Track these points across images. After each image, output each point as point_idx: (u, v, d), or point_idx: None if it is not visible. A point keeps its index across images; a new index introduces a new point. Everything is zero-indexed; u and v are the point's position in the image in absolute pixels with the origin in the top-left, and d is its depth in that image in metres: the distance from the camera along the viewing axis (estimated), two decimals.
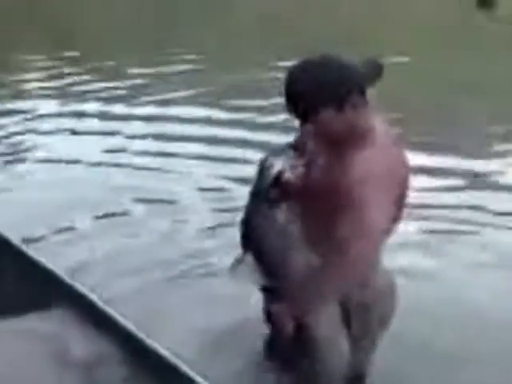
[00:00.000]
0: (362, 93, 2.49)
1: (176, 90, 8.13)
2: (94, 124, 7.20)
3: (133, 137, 6.65)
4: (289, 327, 2.64)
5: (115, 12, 13.54)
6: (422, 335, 3.56)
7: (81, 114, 7.47)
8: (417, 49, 9.92)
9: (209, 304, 3.79)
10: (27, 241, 4.23)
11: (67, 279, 2.83)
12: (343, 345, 2.80)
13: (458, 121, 6.90)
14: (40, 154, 6.30)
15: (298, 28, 11.27)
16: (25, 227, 4.57)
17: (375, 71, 2.54)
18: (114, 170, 5.84)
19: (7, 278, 2.99)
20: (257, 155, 4.90)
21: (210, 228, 4.71)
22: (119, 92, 8.22)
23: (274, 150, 2.79)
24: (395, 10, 12.97)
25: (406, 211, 2.71)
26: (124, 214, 5.01)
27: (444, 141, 6.38)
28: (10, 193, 5.45)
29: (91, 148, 6.38)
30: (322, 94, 2.43)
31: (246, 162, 5.38)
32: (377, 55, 2.81)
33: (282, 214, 2.68)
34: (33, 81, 8.79)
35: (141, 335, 2.56)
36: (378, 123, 2.60)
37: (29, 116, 7.39)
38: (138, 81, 8.65)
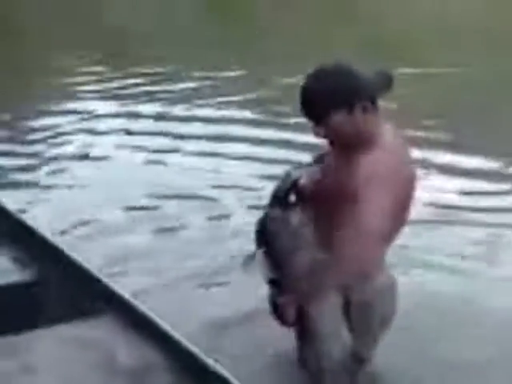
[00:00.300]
0: (372, 100, 2.68)
1: (227, 95, 8.19)
2: (148, 125, 7.32)
3: (184, 137, 6.76)
4: (292, 318, 2.82)
5: (168, 13, 13.62)
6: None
7: (135, 115, 7.60)
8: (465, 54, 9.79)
9: (245, 303, 3.77)
10: (64, 234, 4.48)
11: (113, 285, 2.84)
12: (343, 337, 2.95)
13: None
14: (94, 153, 6.44)
15: (342, 35, 11.20)
16: (67, 223, 4.75)
17: (385, 81, 2.73)
18: (162, 168, 6.00)
19: (52, 284, 3.01)
20: (299, 156, 4.96)
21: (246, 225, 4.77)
22: (173, 95, 8.33)
23: (299, 165, 3.08)
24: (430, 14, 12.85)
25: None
26: (163, 210, 5.14)
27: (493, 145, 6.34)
28: (64, 190, 5.59)
29: (143, 148, 6.51)
30: (332, 100, 2.64)
31: (287, 162, 5.37)
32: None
33: (295, 217, 2.89)
34: (87, 83, 8.90)
35: (186, 342, 2.55)
36: (387, 129, 2.77)
37: (84, 116, 7.53)
38: (192, 84, 8.76)
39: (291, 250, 2.84)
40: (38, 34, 11.70)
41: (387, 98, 2.77)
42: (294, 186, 2.94)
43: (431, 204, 5.02)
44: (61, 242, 3.30)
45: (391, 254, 2.96)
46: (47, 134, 6.98)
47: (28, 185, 5.65)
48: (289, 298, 2.81)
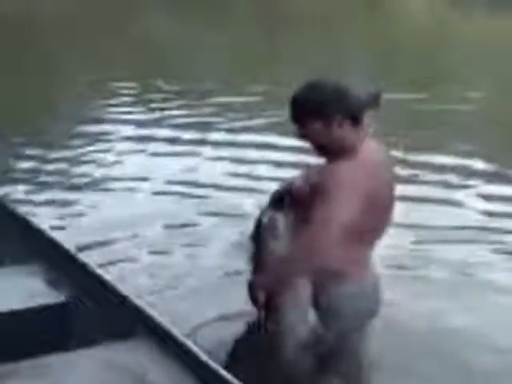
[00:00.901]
0: (353, 116, 2.93)
1: (247, 119, 8.26)
2: (168, 147, 7.45)
3: (206, 159, 6.94)
4: (262, 299, 3.03)
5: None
6: None
7: (157, 138, 7.75)
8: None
9: None
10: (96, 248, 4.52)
11: (146, 308, 2.82)
12: (308, 322, 3.11)
13: None
14: (116, 172, 6.58)
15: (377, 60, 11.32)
16: (96, 238, 4.82)
17: (371, 100, 2.96)
18: (182, 187, 6.11)
19: (85, 306, 3.00)
20: None
21: None
22: (194, 119, 8.51)
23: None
24: None
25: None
26: (192, 225, 5.22)
27: None
28: (89, 208, 5.63)
29: (164, 168, 6.66)
30: (313, 109, 2.93)
31: None
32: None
33: (279, 214, 3.16)
34: (114, 105, 9.10)
35: (217, 367, 2.53)
36: (369, 143, 3.02)
37: (108, 138, 7.69)
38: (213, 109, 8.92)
39: (270, 239, 3.13)
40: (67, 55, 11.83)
41: None
42: (286, 188, 3.23)
43: None
44: (92, 261, 3.29)
45: None
46: (74, 152, 7.10)
47: (56, 202, 5.71)
48: (261, 279, 3.04)
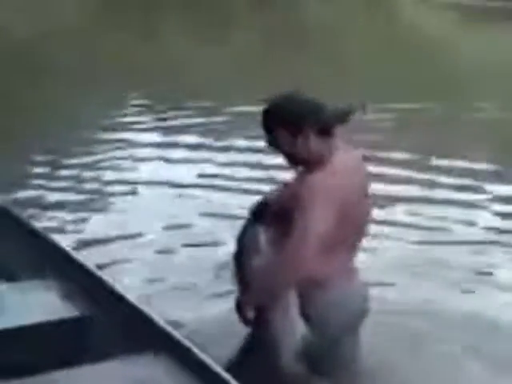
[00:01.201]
0: (321, 127, 3.05)
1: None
2: (188, 154, 7.51)
3: (223, 165, 7.00)
4: (250, 316, 3.11)
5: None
6: None
7: (176, 145, 7.82)
8: None
9: None
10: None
11: (162, 322, 2.82)
12: (298, 332, 3.19)
13: None
14: (136, 177, 6.64)
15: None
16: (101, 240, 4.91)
17: (342, 115, 3.08)
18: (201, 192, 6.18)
19: (101, 320, 3.00)
20: None
21: None
22: (214, 127, 8.59)
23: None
24: None
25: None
26: (200, 228, 5.31)
27: None
28: (112, 214, 5.71)
29: (183, 174, 6.71)
30: (279, 119, 3.07)
31: None
32: None
33: (259, 229, 3.26)
34: (136, 115, 9.19)
35: (235, 382, 2.52)
36: (342, 152, 3.12)
37: (130, 145, 7.77)
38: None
39: (252, 256, 3.21)
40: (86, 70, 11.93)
41: None
42: (264, 203, 3.34)
43: None
44: (108, 275, 3.30)
45: None
46: (90, 159, 7.15)
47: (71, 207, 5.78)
48: (247, 298, 3.11)
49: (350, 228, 3.09)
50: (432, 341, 3.74)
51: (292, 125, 3.05)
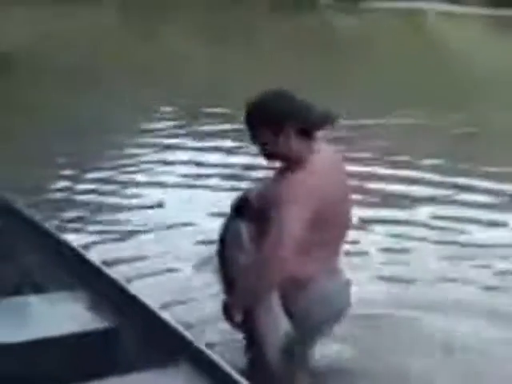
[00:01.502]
0: (303, 128, 3.09)
1: None
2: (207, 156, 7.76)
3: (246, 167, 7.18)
4: (237, 318, 3.15)
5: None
6: None
7: (201, 148, 8.03)
8: None
9: None
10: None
11: (188, 335, 2.81)
12: (282, 330, 3.20)
13: None
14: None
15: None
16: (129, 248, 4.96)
17: (325, 119, 3.12)
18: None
19: (127, 332, 3.00)
20: None
21: None
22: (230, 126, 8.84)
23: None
24: None
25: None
26: None
27: None
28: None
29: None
30: (264, 117, 3.09)
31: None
32: None
33: (241, 225, 3.26)
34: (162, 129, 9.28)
35: None
36: (321, 155, 3.15)
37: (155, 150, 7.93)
38: None
39: (235, 252, 3.23)
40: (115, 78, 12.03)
41: None
42: (245, 198, 3.35)
43: None
44: (136, 287, 3.30)
45: None
46: (117, 163, 7.32)
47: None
48: (234, 300, 3.15)
49: (330, 228, 3.12)
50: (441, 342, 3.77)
51: (274, 123, 3.08)
